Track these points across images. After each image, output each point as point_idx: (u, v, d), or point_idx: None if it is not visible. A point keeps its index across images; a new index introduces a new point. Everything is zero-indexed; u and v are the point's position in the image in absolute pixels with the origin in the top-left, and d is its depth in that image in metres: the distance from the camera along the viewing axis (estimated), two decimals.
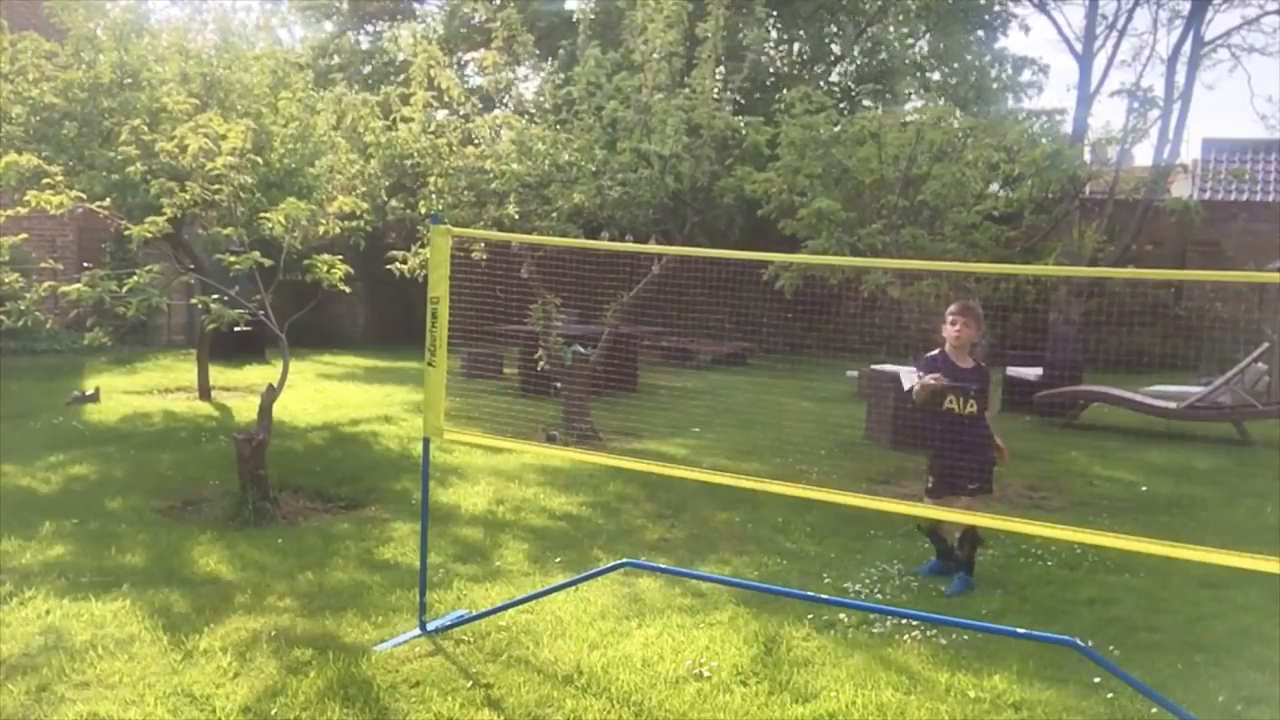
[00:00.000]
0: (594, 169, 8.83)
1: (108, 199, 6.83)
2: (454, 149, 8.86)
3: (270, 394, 6.56)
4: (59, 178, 6.39)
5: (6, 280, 6.39)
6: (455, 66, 12.07)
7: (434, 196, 8.68)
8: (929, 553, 6.10)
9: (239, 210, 6.63)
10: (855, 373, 12.48)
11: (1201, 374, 12.64)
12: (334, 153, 8.57)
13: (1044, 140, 8.39)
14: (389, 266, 8.36)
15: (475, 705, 3.85)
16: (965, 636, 4.61)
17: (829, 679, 4.16)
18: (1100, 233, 11.36)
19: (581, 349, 9.56)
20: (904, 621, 4.76)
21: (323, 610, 4.82)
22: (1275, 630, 4.80)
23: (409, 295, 11.51)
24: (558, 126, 9.18)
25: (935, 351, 5.65)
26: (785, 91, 8.86)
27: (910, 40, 21.96)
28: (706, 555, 5.93)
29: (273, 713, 3.78)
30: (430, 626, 4.60)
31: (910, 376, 5.94)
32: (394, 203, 9.06)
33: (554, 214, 8.68)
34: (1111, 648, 4.59)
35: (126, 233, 6.45)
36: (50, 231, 13.32)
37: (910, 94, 19.23)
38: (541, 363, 9.37)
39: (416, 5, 23.61)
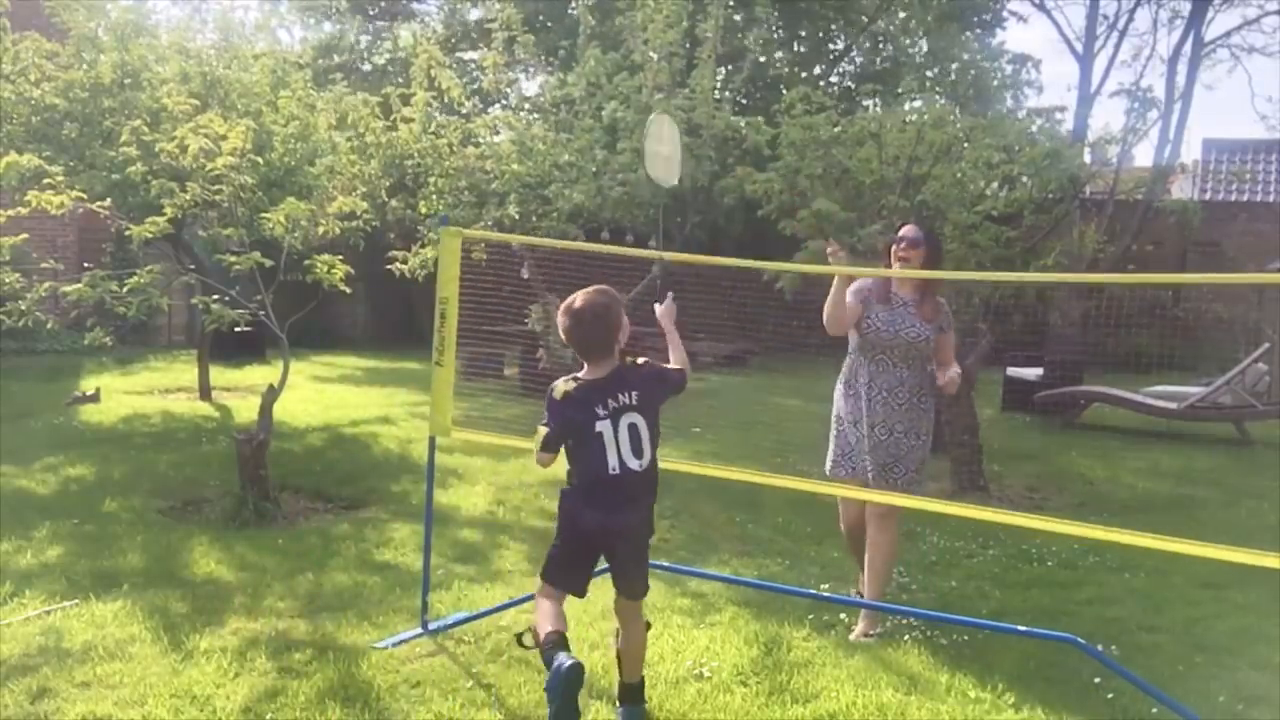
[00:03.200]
0: (594, 169, 8.84)
1: (108, 199, 6.83)
2: (454, 149, 8.86)
3: (271, 394, 6.56)
4: (60, 178, 6.39)
5: (7, 280, 6.39)
6: (455, 66, 12.06)
7: (434, 197, 8.69)
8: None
9: (239, 210, 6.63)
10: None
11: (1201, 374, 12.64)
12: (334, 153, 8.58)
13: (1044, 140, 8.38)
14: (389, 267, 8.36)
15: (476, 705, 3.85)
16: (965, 636, 4.61)
17: (829, 679, 4.16)
18: (1100, 233, 11.35)
19: None
20: (904, 621, 4.76)
21: (323, 611, 4.82)
22: (1276, 630, 4.80)
23: (409, 295, 11.53)
24: (558, 127, 9.19)
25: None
26: (785, 91, 8.86)
27: (909, 40, 21.96)
28: (707, 555, 5.93)
29: (273, 713, 3.78)
30: (432, 626, 4.61)
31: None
32: (394, 203, 9.06)
33: (554, 214, 8.69)
34: (1112, 648, 4.59)
35: (127, 233, 6.45)
36: (51, 231, 13.31)
37: (911, 94, 19.30)
38: (542, 363, 9.38)
39: (416, 5, 23.63)
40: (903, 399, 4.80)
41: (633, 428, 3.60)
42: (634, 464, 3.60)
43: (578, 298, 3.64)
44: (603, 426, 3.58)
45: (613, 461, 3.58)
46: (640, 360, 3.76)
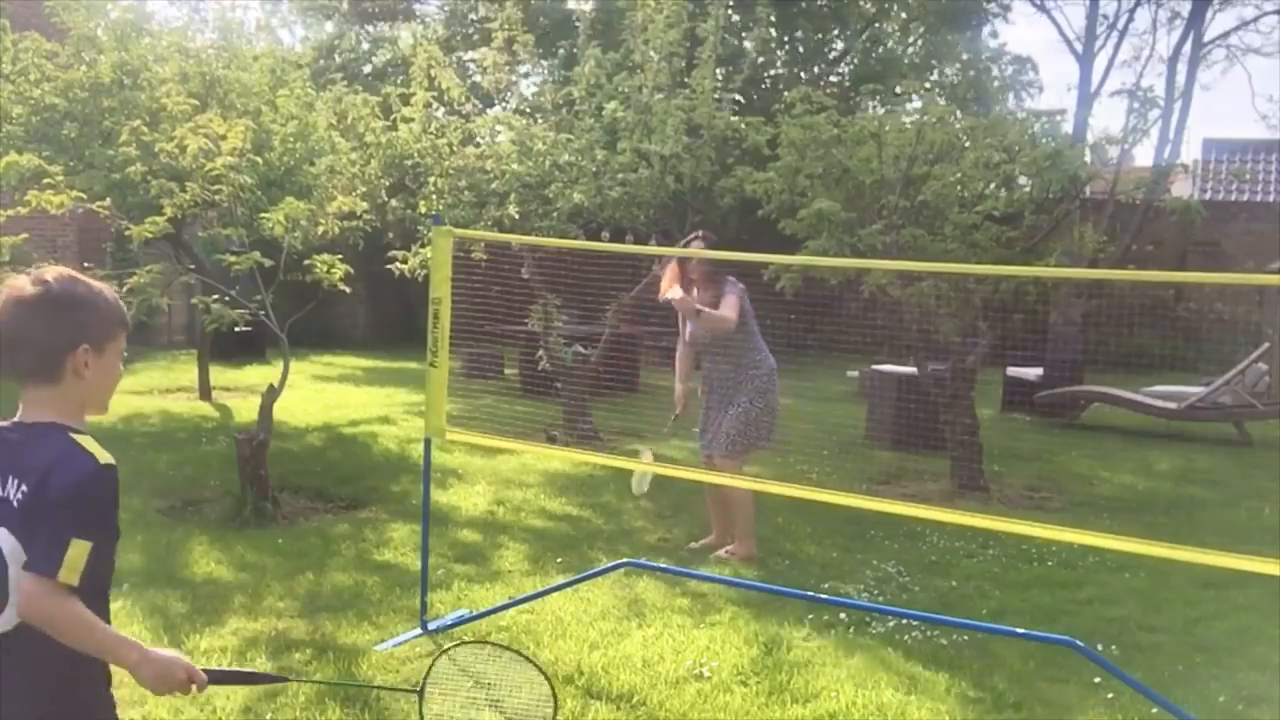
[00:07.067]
0: (594, 169, 8.83)
1: (108, 199, 6.83)
2: (454, 149, 8.86)
3: (271, 394, 6.57)
4: (59, 178, 6.39)
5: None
6: (455, 66, 12.06)
7: (434, 196, 8.68)
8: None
9: (239, 210, 6.63)
10: (856, 373, 12.48)
11: (1202, 374, 12.63)
12: (334, 152, 8.57)
13: (1044, 140, 8.36)
14: (389, 266, 8.36)
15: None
16: (965, 636, 4.61)
17: (829, 679, 4.16)
18: (1101, 233, 11.34)
19: (582, 349, 9.56)
20: (904, 622, 4.76)
21: (323, 611, 4.82)
22: (1276, 630, 4.80)
23: (409, 295, 11.51)
24: (558, 127, 9.18)
25: None
26: (785, 91, 8.85)
27: (908, 40, 21.95)
28: (706, 556, 5.93)
29: (273, 713, 3.78)
30: (431, 626, 4.61)
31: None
32: (394, 203, 9.05)
33: (554, 214, 8.68)
34: (1112, 648, 4.59)
35: (127, 233, 6.45)
36: (51, 231, 13.28)
37: (912, 94, 19.38)
38: (542, 363, 9.37)
39: (417, 5, 23.62)
40: None
41: None
42: None
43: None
44: None
45: None
46: None
